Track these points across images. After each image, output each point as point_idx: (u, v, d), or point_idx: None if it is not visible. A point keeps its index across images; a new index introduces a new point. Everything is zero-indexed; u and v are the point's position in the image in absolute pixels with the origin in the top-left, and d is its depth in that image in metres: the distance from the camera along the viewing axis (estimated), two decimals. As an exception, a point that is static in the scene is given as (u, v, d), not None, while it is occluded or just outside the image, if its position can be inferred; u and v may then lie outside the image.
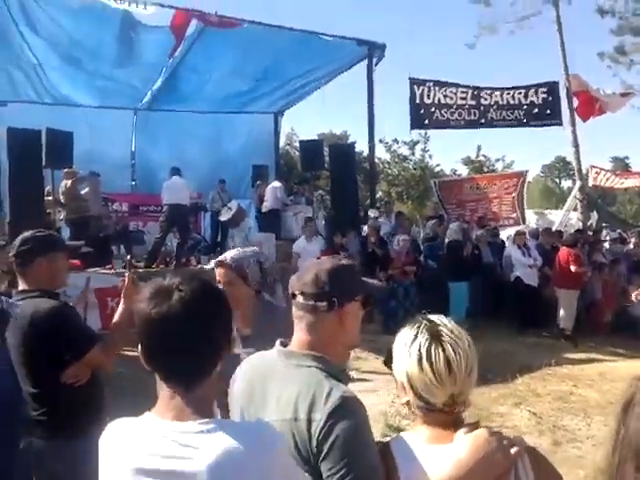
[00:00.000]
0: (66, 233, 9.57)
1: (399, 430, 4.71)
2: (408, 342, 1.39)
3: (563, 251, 9.40)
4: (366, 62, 11.50)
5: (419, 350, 1.36)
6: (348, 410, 1.36)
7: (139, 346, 1.25)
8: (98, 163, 11.98)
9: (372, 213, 11.72)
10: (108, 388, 2.74)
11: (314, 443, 1.35)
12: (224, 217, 11.16)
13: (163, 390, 1.25)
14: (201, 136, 14.60)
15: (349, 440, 1.32)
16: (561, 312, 9.06)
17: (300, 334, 1.56)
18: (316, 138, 13.57)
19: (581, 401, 5.96)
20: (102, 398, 2.66)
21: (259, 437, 1.21)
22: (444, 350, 1.34)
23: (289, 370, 1.49)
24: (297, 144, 19.07)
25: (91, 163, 11.51)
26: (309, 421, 1.36)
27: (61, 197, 10.15)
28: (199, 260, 9.81)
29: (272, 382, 1.50)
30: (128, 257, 3.34)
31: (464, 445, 1.28)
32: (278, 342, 1.59)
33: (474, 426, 1.34)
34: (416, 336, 1.39)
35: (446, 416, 1.37)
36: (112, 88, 12.68)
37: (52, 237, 2.76)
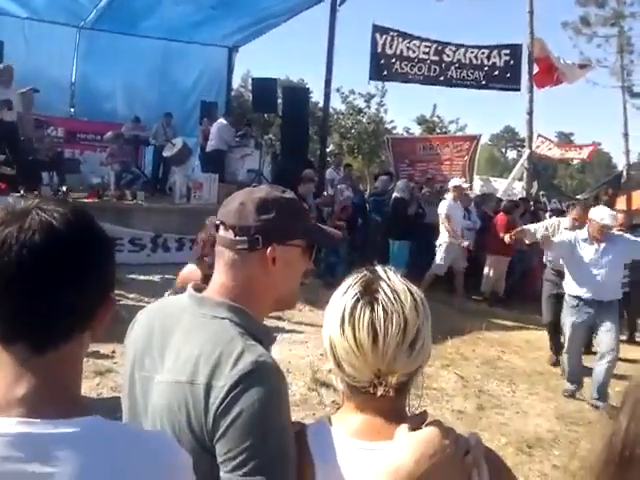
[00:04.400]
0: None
1: (325, 385, 4.61)
2: (338, 296, 1.10)
3: (500, 217, 9.46)
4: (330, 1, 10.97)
5: (344, 308, 1.06)
6: (260, 379, 1.07)
7: None
8: (34, 82, 11.09)
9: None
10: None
11: (211, 417, 1.06)
12: (167, 153, 10.68)
13: (1, 365, 0.85)
14: (148, 64, 13.71)
15: (256, 417, 1.04)
16: (485, 276, 9.37)
17: (217, 276, 1.25)
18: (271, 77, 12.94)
19: (507, 367, 6.05)
20: None
21: (152, 453, 0.86)
22: (372, 310, 1.03)
23: (197, 321, 1.19)
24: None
25: (26, 81, 10.66)
26: (208, 387, 1.07)
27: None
28: (135, 195, 9.31)
29: (175, 333, 1.19)
30: (64, 189, 2.82)
31: (408, 448, 0.93)
32: (190, 285, 1.28)
33: (421, 419, 1.01)
34: (347, 289, 1.09)
35: (377, 400, 1.03)
36: (55, 0, 11.67)
37: None
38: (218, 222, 1.27)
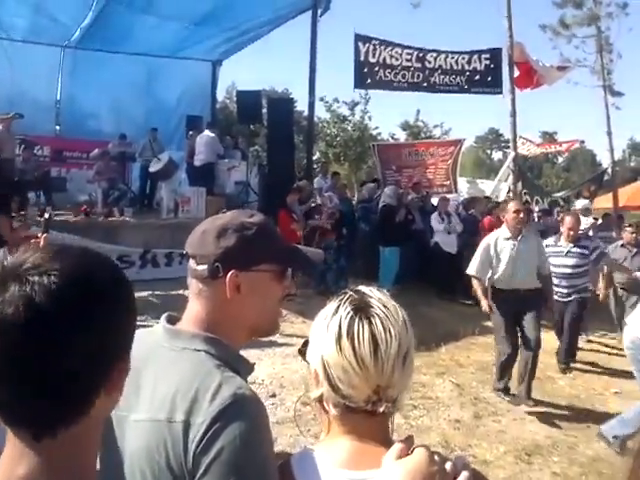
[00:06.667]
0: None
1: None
2: (328, 316, 1.07)
3: (487, 219, 9.72)
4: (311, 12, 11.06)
5: (339, 325, 1.03)
6: (239, 413, 1.03)
7: None
8: (19, 103, 11.08)
9: None
10: None
11: (190, 456, 1.02)
12: (154, 168, 10.65)
13: (8, 444, 0.75)
14: (133, 80, 13.77)
15: (237, 453, 1.01)
16: None
17: (190, 307, 1.22)
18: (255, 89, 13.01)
19: (502, 373, 6.01)
20: None
21: None
22: (370, 323, 1.02)
23: (173, 354, 1.14)
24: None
25: (11, 103, 10.64)
26: (187, 425, 1.03)
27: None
28: (122, 212, 9.27)
29: (150, 368, 1.13)
30: (46, 215, 2.74)
31: (397, 477, 0.91)
32: (164, 316, 1.23)
33: (408, 444, 0.98)
34: (337, 309, 1.06)
35: (370, 420, 1.02)
36: (38, 21, 11.66)
37: None
38: (185, 252, 1.26)
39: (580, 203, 11.26)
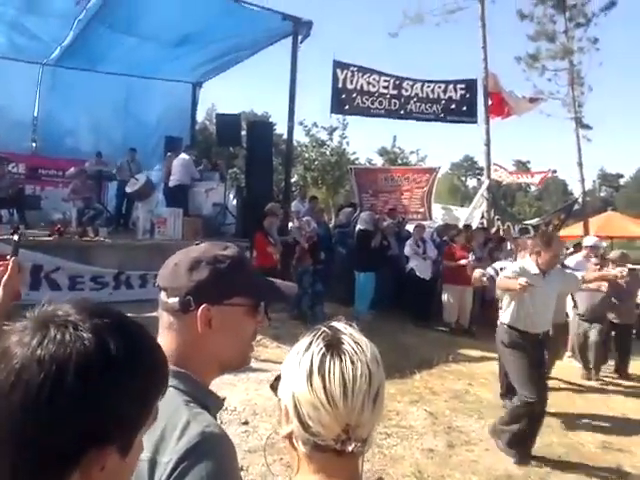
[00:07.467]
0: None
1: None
2: (300, 352, 1.05)
3: (452, 247, 9.92)
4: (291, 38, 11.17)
5: (311, 361, 1.02)
6: (207, 452, 1.00)
7: None
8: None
9: None
10: None
11: None
12: (130, 189, 10.59)
13: None
14: (112, 100, 13.69)
15: None
16: (444, 306, 9.62)
17: (159, 340, 1.18)
18: (234, 112, 13.06)
19: (476, 401, 6.04)
20: None
21: None
22: (341, 361, 1.00)
23: None
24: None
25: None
26: (153, 463, 1.00)
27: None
28: (97, 231, 9.16)
29: None
30: (15, 238, 2.60)
31: None
32: None
33: None
34: (310, 345, 1.05)
35: (339, 460, 0.99)
36: (17, 39, 11.58)
37: None
38: (157, 284, 1.25)
39: (590, 240, 8.92)
